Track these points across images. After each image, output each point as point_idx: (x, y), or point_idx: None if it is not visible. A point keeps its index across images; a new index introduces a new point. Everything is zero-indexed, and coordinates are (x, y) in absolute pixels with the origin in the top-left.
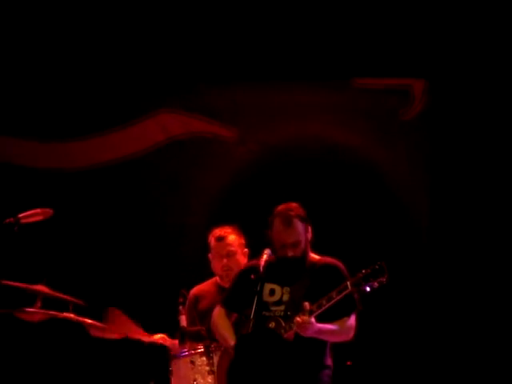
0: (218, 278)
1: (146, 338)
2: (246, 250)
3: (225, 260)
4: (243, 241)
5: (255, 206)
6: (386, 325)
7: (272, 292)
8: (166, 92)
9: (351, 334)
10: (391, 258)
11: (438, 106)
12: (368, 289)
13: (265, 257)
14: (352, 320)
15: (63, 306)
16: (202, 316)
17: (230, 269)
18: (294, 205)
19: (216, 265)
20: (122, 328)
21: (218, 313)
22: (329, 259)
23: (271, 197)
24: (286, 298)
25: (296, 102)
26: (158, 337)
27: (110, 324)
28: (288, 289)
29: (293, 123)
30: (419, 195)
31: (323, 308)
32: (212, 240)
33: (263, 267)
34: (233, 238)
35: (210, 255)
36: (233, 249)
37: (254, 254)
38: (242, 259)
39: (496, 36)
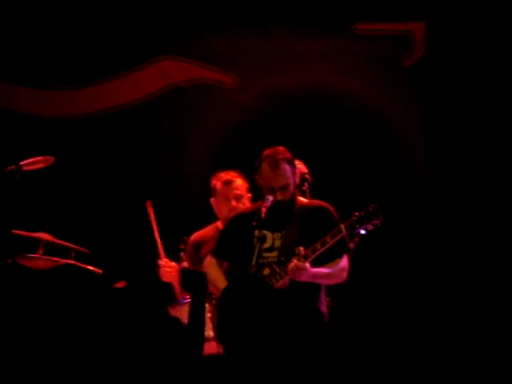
0: (219, 224)
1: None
2: (249, 195)
3: (234, 203)
4: (247, 185)
5: (256, 152)
6: (382, 267)
7: (263, 238)
8: (167, 39)
9: (344, 276)
10: (389, 202)
11: (438, 51)
12: (363, 231)
13: (267, 203)
14: (344, 261)
15: (66, 253)
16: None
17: None
18: (281, 148)
19: (222, 208)
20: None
21: (209, 262)
22: (318, 202)
23: (272, 143)
24: (277, 243)
25: (297, 48)
26: (173, 263)
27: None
28: (279, 234)
29: (293, 70)
30: (418, 141)
31: (318, 252)
32: (218, 184)
33: (265, 213)
34: (240, 181)
35: (213, 199)
36: (240, 192)
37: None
38: (248, 204)
39: None
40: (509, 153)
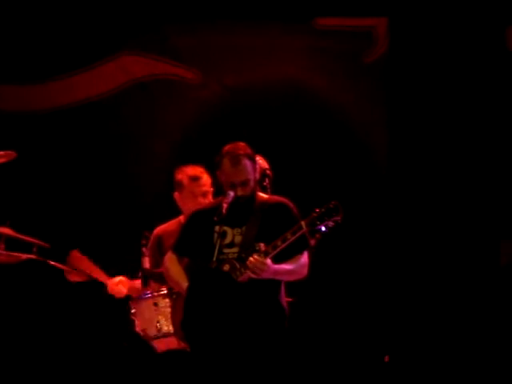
0: (182, 218)
1: (106, 280)
2: (212, 189)
3: (201, 199)
4: (211, 181)
5: (217, 148)
6: (341, 263)
7: (223, 234)
8: (128, 34)
9: (305, 271)
10: (351, 198)
11: (400, 47)
12: (323, 228)
13: (228, 198)
14: (305, 257)
15: (27, 248)
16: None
17: None
18: (241, 144)
19: (188, 204)
20: (84, 270)
21: (169, 259)
22: (278, 198)
23: (233, 139)
24: (238, 239)
25: (258, 44)
26: (118, 279)
27: (73, 266)
28: (239, 230)
29: (255, 65)
30: (379, 136)
31: (278, 249)
32: (185, 179)
33: (226, 209)
34: (206, 177)
35: (177, 194)
36: (207, 188)
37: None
38: (211, 199)
39: None
40: (469, 149)
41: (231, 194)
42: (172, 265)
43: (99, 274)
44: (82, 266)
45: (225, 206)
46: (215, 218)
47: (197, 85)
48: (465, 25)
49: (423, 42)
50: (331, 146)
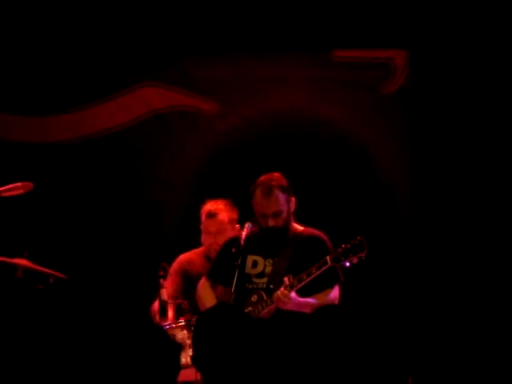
0: (203, 249)
1: None
2: (237, 225)
3: (212, 238)
4: (235, 216)
5: (236, 180)
6: (364, 300)
7: (255, 264)
8: (148, 65)
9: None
10: (372, 234)
11: (420, 79)
12: (347, 264)
13: (245, 230)
14: (335, 292)
15: (44, 279)
16: (189, 284)
17: (218, 245)
18: (276, 175)
19: (205, 239)
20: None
21: (203, 285)
22: (312, 230)
23: (252, 171)
24: (268, 270)
25: (276, 75)
26: None
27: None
28: (271, 261)
29: (273, 97)
30: (399, 170)
31: (303, 282)
32: (203, 214)
33: (244, 240)
34: (223, 215)
35: (201, 226)
36: (222, 227)
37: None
38: (232, 236)
39: (482, 3)
40: (494, 189)
41: (249, 225)
42: (204, 291)
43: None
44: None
45: (242, 237)
46: (233, 250)
47: (214, 116)
48: (483, 57)
49: (444, 73)
50: (348, 179)
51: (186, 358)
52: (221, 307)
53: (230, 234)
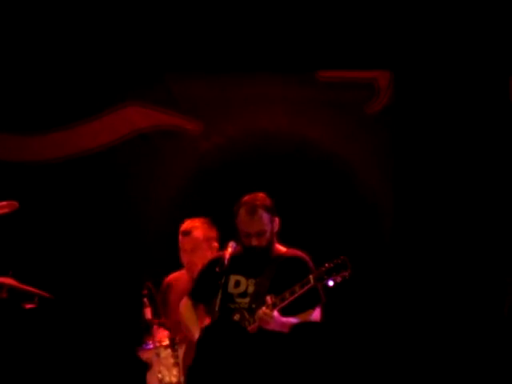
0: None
1: None
2: (215, 244)
3: (187, 256)
4: (213, 234)
5: (220, 199)
6: (347, 319)
7: (237, 284)
8: (131, 85)
9: None
10: (354, 253)
11: (403, 99)
12: (331, 283)
13: (229, 249)
14: (317, 313)
15: (29, 298)
16: (172, 303)
17: (194, 264)
18: (260, 195)
19: (182, 257)
20: None
21: (185, 304)
22: (295, 251)
23: (236, 190)
24: (250, 289)
25: (260, 95)
26: None
27: None
28: (253, 280)
29: (257, 116)
30: (383, 188)
31: (286, 301)
32: (179, 232)
33: (227, 260)
34: (198, 232)
35: (179, 245)
36: (197, 245)
37: (220, 247)
38: (209, 254)
39: (463, 24)
40: (478, 204)
41: (233, 245)
42: (187, 311)
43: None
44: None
45: (226, 257)
46: (217, 269)
47: (198, 135)
48: (468, 76)
49: (428, 93)
50: (332, 198)
51: (169, 376)
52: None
53: (206, 251)
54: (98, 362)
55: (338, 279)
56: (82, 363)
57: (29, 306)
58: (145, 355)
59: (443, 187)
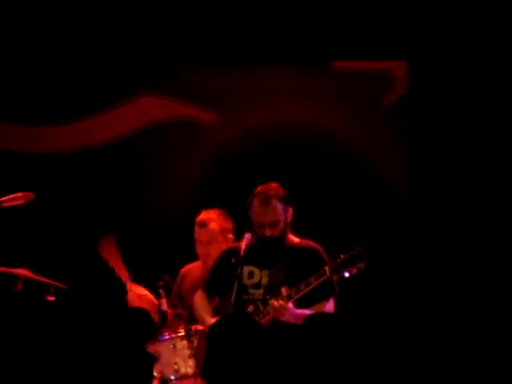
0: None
1: (127, 282)
2: (230, 235)
3: (203, 247)
4: (229, 226)
5: (236, 190)
6: (363, 311)
7: (251, 275)
8: (147, 76)
9: None
10: (369, 245)
11: (419, 90)
12: (347, 274)
13: (245, 240)
14: (330, 304)
15: (45, 289)
16: (184, 293)
17: (210, 255)
18: (273, 185)
19: (198, 249)
20: (109, 262)
21: (199, 296)
22: (308, 242)
23: (252, 181)
24: (264, 280)
25: (276, 86)
26: (140, 292)
27: (101, 251)
28: (267, 271)
29: (273, 107)
30: (399, 180)
31: (301, 293)
32: (195, 225)
33: (244, 251)
34: (215, 224)
35: (195, 236)
36: (213, 236)
37: (236, 238)
38: (224, 246)
39: (480, 14)
40: (495, 198)
41: (248, 236)
42: (200, 302)
43: (123, 273)
44: (109, 257)
45: (242, 247)
46: (233, 260)
47: (214, 126)
48: (484, 67)
49: (444, 83)
50: (347, 189)
51: (185, 368)
52: (234, 317)
53: (222, 243)
54: (110, 354)
55: (354, 271)
56: (94, 355)
57: (50, 298)
58: (157, 347)
59: (460, 179)
